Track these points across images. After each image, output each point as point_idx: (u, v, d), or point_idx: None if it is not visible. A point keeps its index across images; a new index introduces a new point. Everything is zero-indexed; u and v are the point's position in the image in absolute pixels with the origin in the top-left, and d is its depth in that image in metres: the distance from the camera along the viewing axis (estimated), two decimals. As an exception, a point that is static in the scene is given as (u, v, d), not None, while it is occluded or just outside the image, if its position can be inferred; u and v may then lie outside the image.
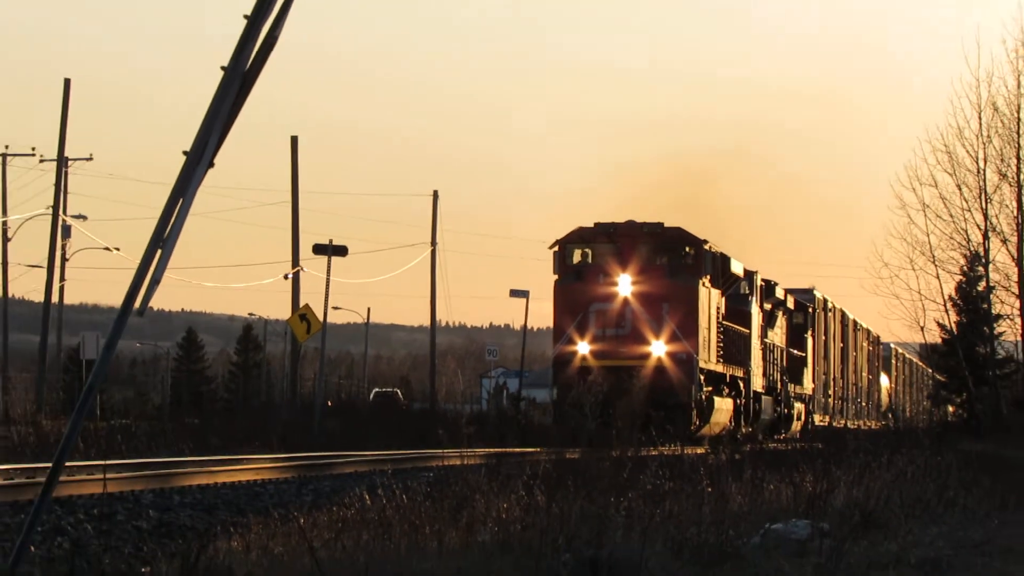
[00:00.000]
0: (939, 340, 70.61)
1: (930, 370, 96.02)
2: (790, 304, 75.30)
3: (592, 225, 56.57)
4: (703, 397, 55.66)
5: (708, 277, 56.63)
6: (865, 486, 25.90)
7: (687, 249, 56.54)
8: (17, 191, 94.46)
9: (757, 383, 66.18)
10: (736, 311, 62.80)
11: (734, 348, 61.88)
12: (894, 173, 67.33)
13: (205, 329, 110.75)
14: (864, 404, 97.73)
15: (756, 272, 66.47)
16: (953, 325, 67.79)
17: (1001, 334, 68.09)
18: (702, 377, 55.46)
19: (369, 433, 54.74)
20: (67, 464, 14.27)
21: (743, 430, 60.75)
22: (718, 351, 58.92)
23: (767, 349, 69.45)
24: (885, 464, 30.94)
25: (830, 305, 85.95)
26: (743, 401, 63.00)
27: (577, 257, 56.29)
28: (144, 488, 29.22)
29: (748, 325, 64.61)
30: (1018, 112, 62.94)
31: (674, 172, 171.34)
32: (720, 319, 59.63)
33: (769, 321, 70.33)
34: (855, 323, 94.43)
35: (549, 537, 17.83)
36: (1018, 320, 65.41)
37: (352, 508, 21.89)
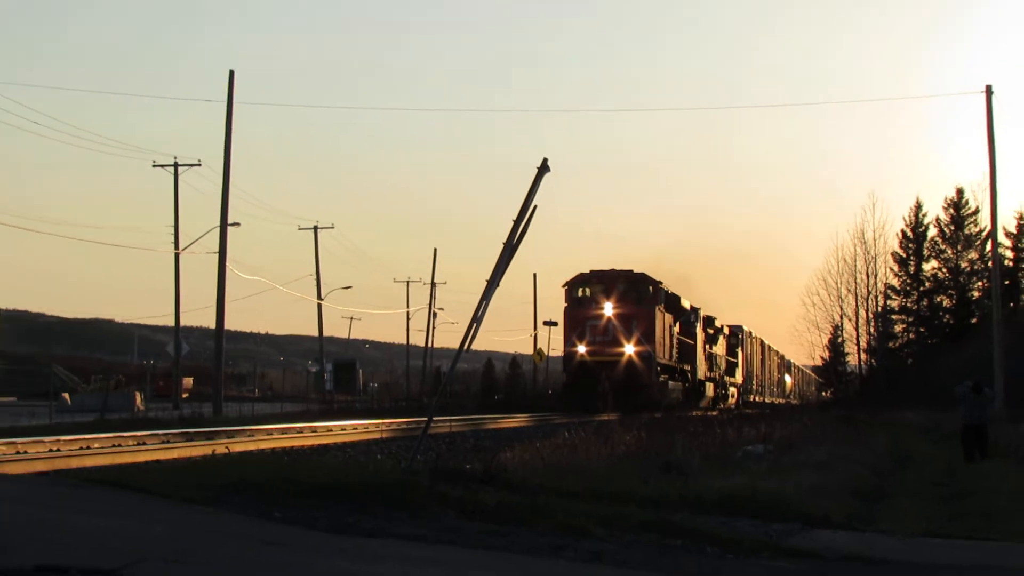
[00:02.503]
0: (820, 363, 70.30)
1: (815, 375, 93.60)
2: (726, 331, 65.20)
3: (588, 271, 47.89)
4: (660, 381, 46.88)
5: (663, 305, 47.55)
6: (789, 429, 25.27)
7: (649, 287, 47.22)
8: (414, 297, 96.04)
9: (701, 375, 55.77)
10: (686, 331, 52.87)
11: (684, 353, 52.18)
12: (801, 287, 66.97)
13: (495, 358, 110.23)
14: (775, 390, 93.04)
15: (700, 308, 56.38)
16: (827, 356, 67.67)
17: (848, 361, 68.22)
18: (659, 368, 46.65)
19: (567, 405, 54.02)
20: (434, 418, 14.14)
21: (691, 404, 51.17)
22: (671, 353, 49.56)
23: (709, 356, 59.05)
24: (798, 419, 30.24)
25: (753, 334, 78.69)
26: (689, 386, 53.09)
27: (579, 292, 47.18)
28: (467, 429, 29.20)
29: (694, 339, 54.17)
30: (854, 263, 62.69)
31: (667, 251, 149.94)
32: (673, 334, 50.00)
33: (712, 339, 60.02)
34: (769, 346, 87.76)
35: (648, 452, 17.46)
36: (855, 355, 65.36)
37: (560, 439, 21.58)
